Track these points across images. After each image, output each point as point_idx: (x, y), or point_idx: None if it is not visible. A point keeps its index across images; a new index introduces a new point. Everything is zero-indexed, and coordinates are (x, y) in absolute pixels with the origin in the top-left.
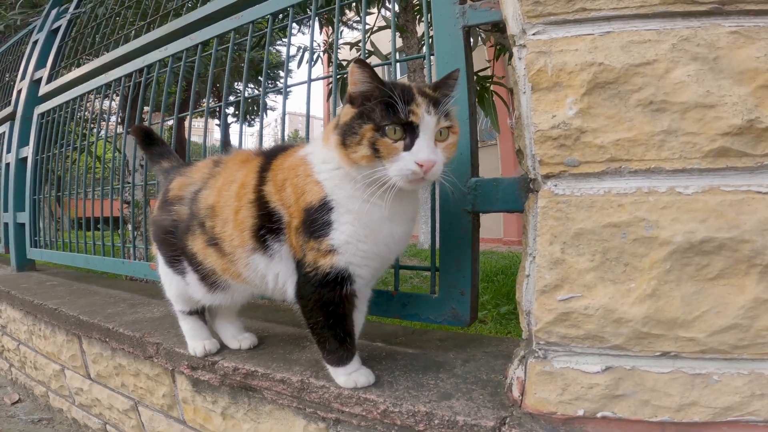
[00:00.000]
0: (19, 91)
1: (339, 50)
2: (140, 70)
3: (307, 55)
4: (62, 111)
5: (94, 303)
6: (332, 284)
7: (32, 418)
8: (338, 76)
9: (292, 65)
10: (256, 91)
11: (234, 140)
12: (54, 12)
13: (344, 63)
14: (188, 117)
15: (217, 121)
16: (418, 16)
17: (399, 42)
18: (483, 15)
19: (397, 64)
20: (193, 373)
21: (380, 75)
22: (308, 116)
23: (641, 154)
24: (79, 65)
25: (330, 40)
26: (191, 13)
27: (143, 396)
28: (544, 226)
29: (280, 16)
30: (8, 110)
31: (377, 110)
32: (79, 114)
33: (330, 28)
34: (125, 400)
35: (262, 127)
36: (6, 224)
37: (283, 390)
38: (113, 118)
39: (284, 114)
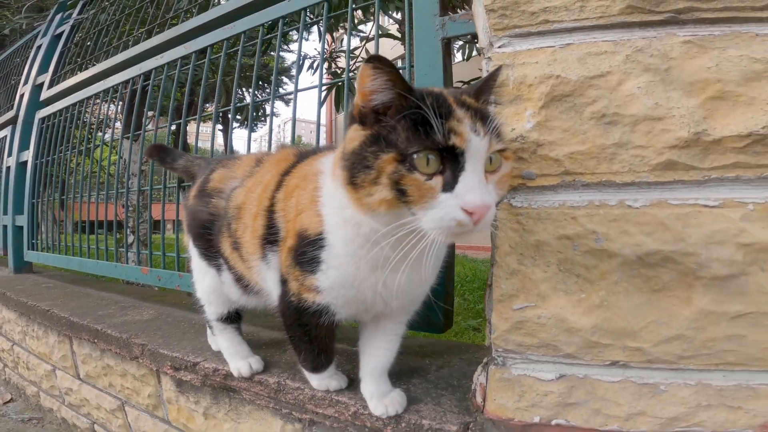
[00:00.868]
0: (22, 96)
1: (333, 59)
2: (138, 77)
3: (306, 62)
4: (62, 116)
5: (85, 305)
6: (312, 314)
7: (22, 417)
8: (327, 85)
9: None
10: (258, 97)
11: (238, 146)
12: (58, 17)
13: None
14: (186, 123)
15: (219, 126)
16: None
17: (401, 50)
18: (461, 27)
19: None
20: (176, 373)
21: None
22: (318, 124)
23: (593, 167)
24: (80, 71)
25: (331, 47)
26: (186, 23)
27: (130, 396)
28: (503, 237)
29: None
30: (10, 114)
31: (400, 130)
32: (79, 119)
33: (330, 35)
34: (113, 400)
35: (250, 135)
36: (5, 227)
37: (261, 391)
38: (112, 123)
39: (294, 120)
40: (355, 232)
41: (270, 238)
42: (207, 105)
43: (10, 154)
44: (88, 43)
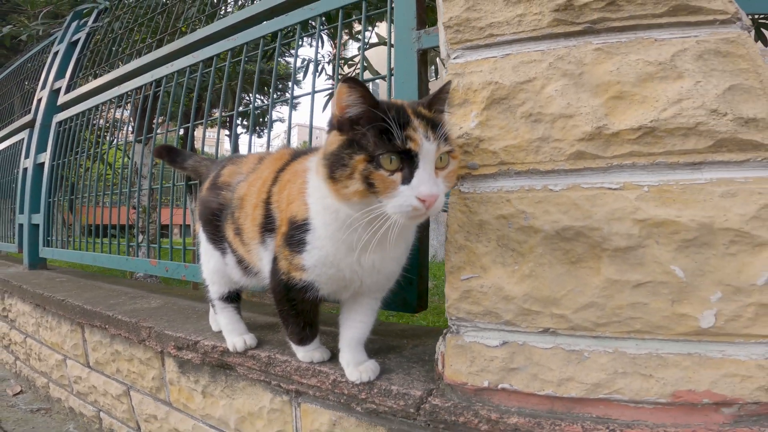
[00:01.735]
0: (39, 100)
1: (327, 66)
2: (150, 84)
3: (310, 67)
4: (79, 120)
5: (97, 296)
6: (299, 290)
7: (31, 408)
8: (323, 91)
9: (298, 76)
10: (262, 102)
11: (244, 151)
12: (74, 25)
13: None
14: (195, 128)
15: (226, 132)
16: None
17: None
18: (434, 40)
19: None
20: (179, 353)
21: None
22: (311, 127)
23: (523, 158)
24: (95, 77)
25: (334, 52)
26: (193, 33)
27: (135, 380)
28: (452, 217)
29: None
30: (28, 118)
31: (369, 137)
32: (94, 122)
33: (331, 41)
34: (119, 386)
35: (251, 140)
36: (21, 225)
37: (253, 365)
38: (125, 127)
39: (311, 126)
40: (333, 217)
41: (267, 226)
42: (213, 110)
43: (27, 156)
44: (104, 52)
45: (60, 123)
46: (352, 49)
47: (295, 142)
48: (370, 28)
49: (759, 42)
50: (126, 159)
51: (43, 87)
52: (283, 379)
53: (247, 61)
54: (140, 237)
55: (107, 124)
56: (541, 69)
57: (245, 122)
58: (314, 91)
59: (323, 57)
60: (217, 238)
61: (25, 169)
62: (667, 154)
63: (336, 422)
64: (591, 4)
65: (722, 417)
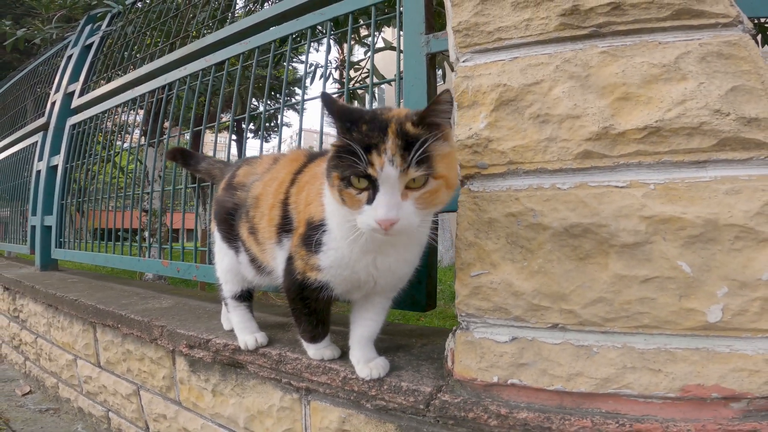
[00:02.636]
0: (53, 103)
1: (344, 67)
2: (162, 87)
3: (318, 72)
4: (92, 123)
5: (109, 296)
6: (313, 290)
7: (40, 408)
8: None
9: (306, 81)
10: (270, 107)
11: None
12: (88, 28)
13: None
14: (206, 131)
15: (234, 136)
16: None
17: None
18: (442, 44)
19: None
20: (191, 351)
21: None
22: (321, 132)
23: (531, 158)
24: (109, 80)
25: (342, 57)
26: (206, 38)
27: (145, 380)
28: (462, 215)
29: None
30: (41, 121)
31: (342, 156)
32: (106, 126)
33: (338, 46)
34: (129, 385)
35: (262, 144)
36: (33, 227)
37: (264, 363)
38: (137, 131)
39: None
40: (344, 219)
41: (285, 226)
42: (222, 115)
43: (41, 159)
44: (117, 55)
45: (74, 126)
46: (359, 54)
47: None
48: (376, 33)
49: (766, 46)
50: (137, 163)
51: (57, 90)
52: (294, 377)
53: (257, 65)
54: (150, 239)
55: (120, 128)
56: (549, 71)
57: (252, 126)
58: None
59: (330, 62)
60: (231, 236)
61: (39, 172)
62: (673, 153)
63: (345, 419)
64: (596, 9)
65: (731, 412)
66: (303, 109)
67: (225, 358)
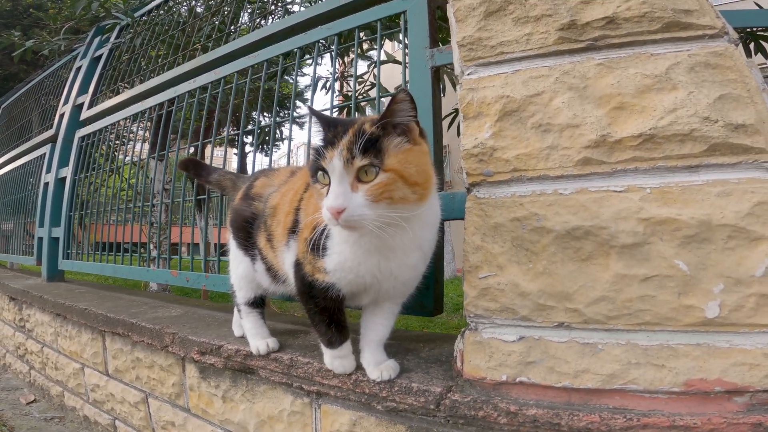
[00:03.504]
0: (62, 115)
1: (344, 78)
2: (171, 100)
3: (320, 84)
4: (101, 135)
5: (119, 305)
6: (322, 291)
7: (45, 416)
8: (337, 107)
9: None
10: (281, 118)
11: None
12: (96, 40)
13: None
14: (210, 144)
15: (235, 150)
16: None
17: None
18: (446, 57)
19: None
20: (202, 357)
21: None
22: (309, 142)
23: (534, 165)
24: (117, 93)
25: (342, 69)
26: (215, 51)
27: (154, 387)
28: (470, 221)
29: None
30: (49, 133)
31: (315, 157)
32: (117, 139)
33: (339, 59)
34: (137, 393)
35: (271, 157)
36: (40, 239)
37: (276, 368)
38: (144, 144)
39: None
40: None
41: (295, 229)
42: (221, 129)
43: (48, 171)
44: (126, 68)
45: (82, 138)
46: (361, 66)
47: (302, 161)
48: (375, 47)
49: (759, 54)
50: (142, 176)
51: (66, 102)
52: (305, 381)
53: (264, 78)
54: (153, 252)
55: (128, 140)
56: (549, 83)
57: (250, 139)
58: (332, 107)
59: (331, 75)
60: (248, 244)
61: (47, 184)
62: (666, 158)
63: (356, 422)
64: (593, 23)
65: (735, 406)
66: (311, 119)
67: (236, 364)
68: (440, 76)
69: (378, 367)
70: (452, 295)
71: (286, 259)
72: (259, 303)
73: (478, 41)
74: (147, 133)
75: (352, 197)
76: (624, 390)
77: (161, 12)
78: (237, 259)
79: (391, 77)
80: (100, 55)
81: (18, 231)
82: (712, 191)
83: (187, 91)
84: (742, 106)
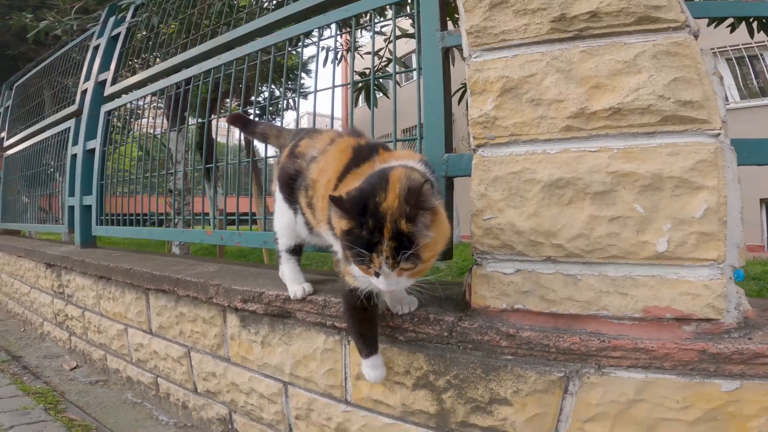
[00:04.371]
0: (84, 92)
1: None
2: (196, 76)
3: (330, 55)
4: (127, 109)
5: (158, 265)
6: (350, 290)
7: (90, 380)
8: (349, 84)
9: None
10: (288, 94)
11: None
12: (112, 20)
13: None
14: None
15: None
16: None
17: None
18: (455, 39)
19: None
20: (245, 305)
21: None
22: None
23: (527, 131)
24: (142, 68)
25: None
26: (238, 29)
27: (197, 340)
28: (476, 175)
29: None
30: (72, 108)
31: (351, 241)
32: (141, 112)
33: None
34: (180, 348)
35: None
36: (71, 207)
37: (311, 309)
38: (166, 118)
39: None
40: None
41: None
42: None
43: (75, 143)
44: (146, 45)
45: (108, 112)
46: (367, 42)
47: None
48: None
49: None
50: (171, 147)
51: (87, 79)
52: (337, 319)
53: (281, 56)
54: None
55: (155, 114)
56: (541, 66)
57: (256, 111)
58: (353, 82)
59: (342, 46)
60: (291, 199)
61: (74, 156)
62: (630, 126)
63: (381, 353)
64: (579, 16)
65: (684, 333)
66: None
67: (275, 309)
68: (449, 55)
69: (400, 302)
70: (456, 260)
71: (333, 243)
72: (297, 251)
73: (484, 30)
74: (168, 110)
75: (398, 281)
76: (598, 315)
77: None
78: (281, 210)
79: (403, 56)
80: (118, 34)
81: (35, 203)
82: (664, 151)
83: (212, 68)
84: (692, 87)
